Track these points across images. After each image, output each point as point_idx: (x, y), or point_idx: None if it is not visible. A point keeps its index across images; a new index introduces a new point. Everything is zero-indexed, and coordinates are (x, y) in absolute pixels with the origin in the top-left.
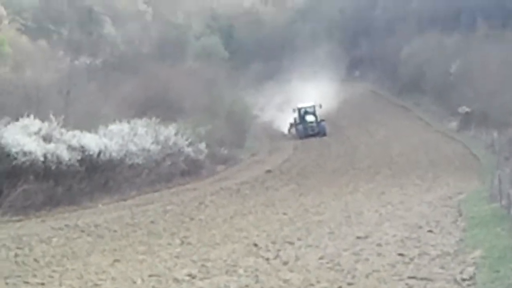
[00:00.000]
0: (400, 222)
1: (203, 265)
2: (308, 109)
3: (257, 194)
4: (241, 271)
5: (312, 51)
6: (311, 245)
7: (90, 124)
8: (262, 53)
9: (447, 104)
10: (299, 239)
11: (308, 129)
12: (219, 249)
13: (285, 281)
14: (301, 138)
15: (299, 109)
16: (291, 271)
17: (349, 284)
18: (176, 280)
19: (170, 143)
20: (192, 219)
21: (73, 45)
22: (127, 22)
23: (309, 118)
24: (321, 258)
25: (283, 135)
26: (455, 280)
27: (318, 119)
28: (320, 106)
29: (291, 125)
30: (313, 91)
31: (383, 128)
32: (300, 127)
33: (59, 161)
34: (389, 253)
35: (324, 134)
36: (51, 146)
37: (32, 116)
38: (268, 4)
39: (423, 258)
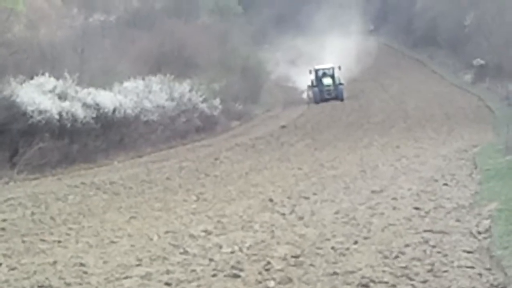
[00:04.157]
0: (416, 175)
1: (218, 221)
2: (327, 71)
3: (272, 150)
4: (256, 226)
5: (327, 5)
6: (326, 199)
7: (104, 81)
8: (276, 8)
9: (461, 56)
10: (314, 194)
11: (324, 92)
12: (235, 205)
13: (301, 236)
14: (316, 102)
15: (316, 71)
16: (307, 226)
17: (365, 238)
18: (192, 236)
19: (185, 99)
20: (207, 175)
21: (87, 2)
22: None
23: (326, 81)
24: (336, 212)
25: (302, 98)
26: (471, 233)
27: (337, 82)
28: (339, 68)
29: (309, 87)
30: (328, 45)
31: (397, 82)
32: (316, 90)
33: (74, 119)
34: (405, 207)
35: (342, 99)
36: (66, 104)
37: (47, 74)
38: None
39: (438, 212)
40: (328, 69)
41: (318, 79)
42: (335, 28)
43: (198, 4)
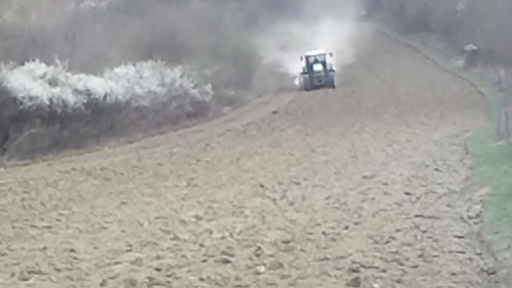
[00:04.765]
0: (407, 161)
1: (209, 207)
2: (318, 58)
3: (263, 135)
4: (247, 212)
5: None
6: (317, 185)
7: (95, 67)
8: None
9: (453, 42)
10: (305, 179)
11: (314, 79)
12: (226, 190)
13: (292, 221)
14: (306, 89)
15: (307, 57)
16: (298, 211)
17: (356, 223)
18: (182, 221)
19: (176, 85)
20: (198, 160)
21: None
22: None
23: (317, 67)
24: (327, 198)
25: (293, 84)
26: (462, 218)
27: (328, 69)
28: (331, 55)
29: (302, 74)
30: (320, 30)
31: (389, 68)
32: (306, 77)
33: (65, 105)
34: (396, 192)
35: (332, 86)
36: (56, 90)
37: (37, 60)
38: None
39: (429, 197)
40: (320, 55)
41: (309, 65)
42: (328, 13)
43: None
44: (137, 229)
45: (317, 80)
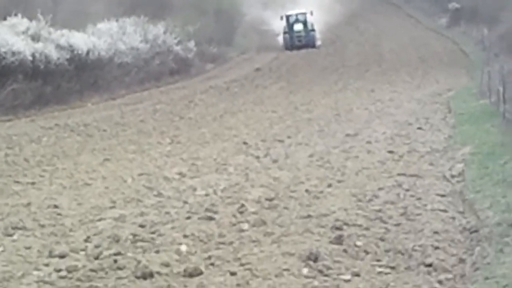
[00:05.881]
0: (390, 119)
1: (193, 164)
2: (299, 17)
3: (246, 92)
4: (231, 169)
5: None
6: (300, 143)
7: (78, 23)
8: None
9: (437, 0)
10: (288, 137)
11: (295, 39)
12: (209, 148)
13: (275, 178)
14: (287, 49)
15: (288, 17)
16: (281, 169)
17: (339, 181)
18: (166, 178)
19: (159, 41)
20: (181, 117)
21: None
22: None
23: (297, 27)
24: (310, 155)
25: (276, 42)
26: (444, 177)
27: (309, 28)
28: (312, 13)
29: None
30: None
31: (373, 26)
32: (287, 36)
33: (47, 61)
34: (379, 150)
35: (313, 46)
36: (39, 46)
37: (20, 15)
38: None
39: (412, 155)
40: (300, 14)
41: (290, 25)
42: None
43: None
44: (121, 185)
45: (297, 40)
